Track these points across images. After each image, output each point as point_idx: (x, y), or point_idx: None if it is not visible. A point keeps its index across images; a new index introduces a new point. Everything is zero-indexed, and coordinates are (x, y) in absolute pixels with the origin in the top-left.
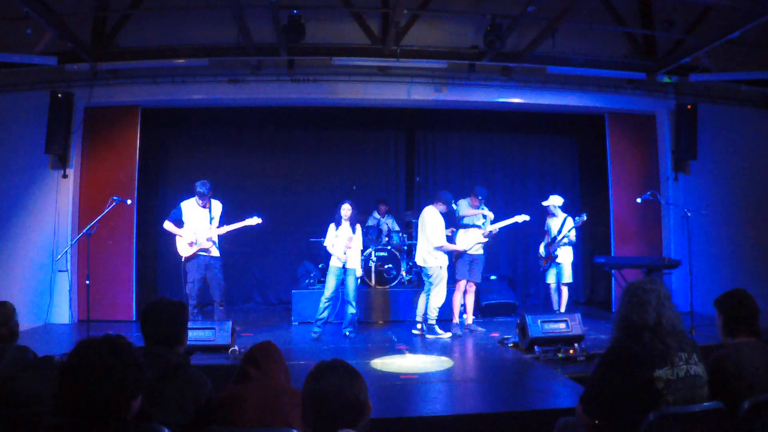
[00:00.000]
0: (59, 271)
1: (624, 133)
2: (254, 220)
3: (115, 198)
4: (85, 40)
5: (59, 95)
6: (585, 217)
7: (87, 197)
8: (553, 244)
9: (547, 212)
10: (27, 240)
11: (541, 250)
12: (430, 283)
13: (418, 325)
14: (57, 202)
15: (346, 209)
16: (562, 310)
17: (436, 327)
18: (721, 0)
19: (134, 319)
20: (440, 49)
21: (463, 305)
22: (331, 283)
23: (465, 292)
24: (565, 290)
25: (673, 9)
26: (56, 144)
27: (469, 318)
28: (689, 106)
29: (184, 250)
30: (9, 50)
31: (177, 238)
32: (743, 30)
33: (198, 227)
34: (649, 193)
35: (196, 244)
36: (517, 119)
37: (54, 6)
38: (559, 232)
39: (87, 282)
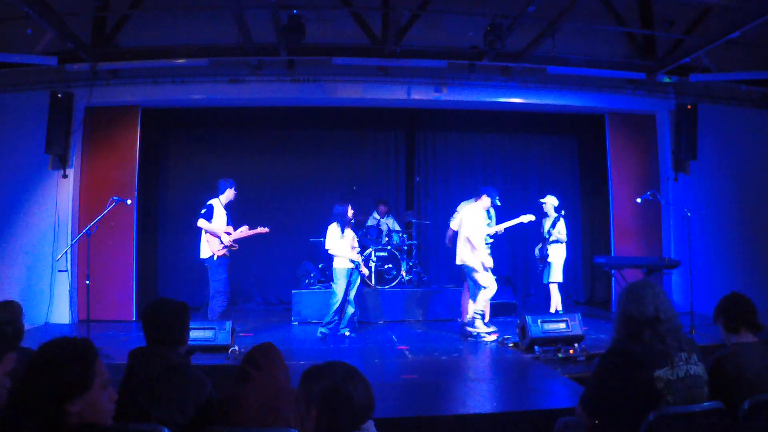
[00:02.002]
0: (59, 271)
1: (624, 133)
2: (263, 230)
3: (115, 198)
4: (85, 40)
5: (59, 95)
6: (562, 213)
7: (87, 197)
8: (543, 244)
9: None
10: (27, 240)
11: (536, 251)
12: (473, 279)
13: (468, 327)
14: (57, 202)
15: (351, 211)
16: (552, 310)
17: (478, 320)
18: (721, 0)
19: (134, 319)
20: (440, 49)
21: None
22: (343, 286)
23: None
24: (553, 289)
25: (673, 9)
26: (56, 144)
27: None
28: (689, 106)
29: (217, 248)
30: (9, 50)
31: (206, 235)
32: (743, 30)
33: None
34: (649, 193)
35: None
36: (517, 119)
37: (54, 6)
38: (549, 232)
39: (87, 282)
